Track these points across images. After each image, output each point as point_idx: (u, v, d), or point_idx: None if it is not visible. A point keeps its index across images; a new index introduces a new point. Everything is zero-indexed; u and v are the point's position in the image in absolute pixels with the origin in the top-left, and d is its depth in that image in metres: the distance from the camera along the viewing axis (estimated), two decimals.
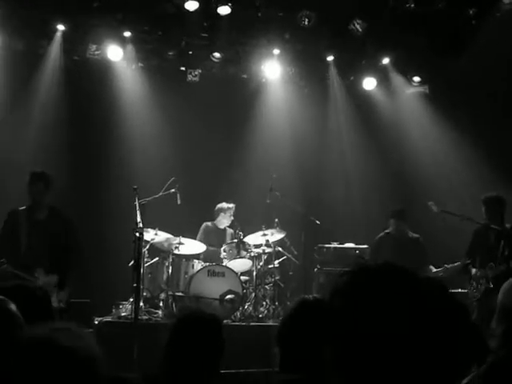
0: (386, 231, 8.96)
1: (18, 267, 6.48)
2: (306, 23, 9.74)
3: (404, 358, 1.30)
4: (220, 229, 9.85)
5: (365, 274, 1.41)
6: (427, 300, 1.35)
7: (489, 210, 7.77)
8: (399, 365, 1.30)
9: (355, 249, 9.65)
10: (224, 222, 9.81)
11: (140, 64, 10.71)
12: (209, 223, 9.87)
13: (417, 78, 11.24)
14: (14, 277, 6.31)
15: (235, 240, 9.38)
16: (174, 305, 8.52)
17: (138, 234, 6.98)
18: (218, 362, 3.24)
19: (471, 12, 9.80)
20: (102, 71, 10.42)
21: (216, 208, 9.81)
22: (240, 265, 9.16)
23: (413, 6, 9.53)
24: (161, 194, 8.79)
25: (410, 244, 8.76)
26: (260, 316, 8.77)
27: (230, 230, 9.92)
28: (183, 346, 3.18)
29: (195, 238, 9.38)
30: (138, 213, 7.00)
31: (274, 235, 9.36)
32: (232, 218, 9.78)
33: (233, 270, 8.75)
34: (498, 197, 7.82)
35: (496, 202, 7.77)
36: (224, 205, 9.75)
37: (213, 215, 9.86)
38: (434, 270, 8.30)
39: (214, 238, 9.73)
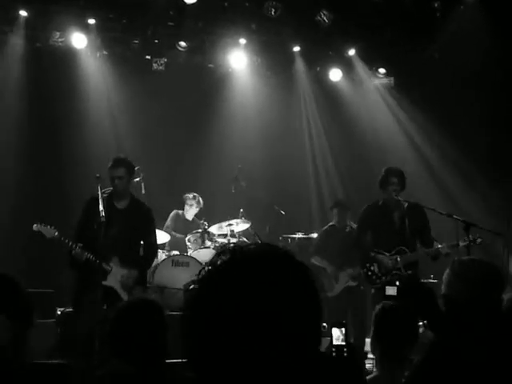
0: (331, 223, 8.93)
1: (94, 254, 6.51)
2: (273, 13, 9.73)
3: (262, 343, 1.26)
4: (187, 219, 9.80)
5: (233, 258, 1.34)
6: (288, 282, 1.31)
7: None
8: (257, 351, 1.26)
9: None
10: (189, 212, 9.75)
11: (104, 52, 10.58)
12: (179, 211, 9.81)
13: (382, 70, 11.32)
14: (86, 262, 6.46)
15: (200, 230, 9.35)
16: None
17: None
18: (161, 348, 3.24)
19: (436, 5, 9.90)
20: (66, 58, 10.26)
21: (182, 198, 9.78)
22: (205, 255, 9.12)
23: None
24: None
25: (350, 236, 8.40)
26: None
27: (198, 221, 9.88)
28: (122, 334, 3.20)
29: (160, 227, 9.31)
30: (101, 202, 6.89)
31: (239, 225, 9.37)
32: (197, 209, 9.71)
33: (197, 260, 8.72)
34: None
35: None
36: (187, 195, 9.70)
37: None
38: None
39: (181, 227, 9.68)
